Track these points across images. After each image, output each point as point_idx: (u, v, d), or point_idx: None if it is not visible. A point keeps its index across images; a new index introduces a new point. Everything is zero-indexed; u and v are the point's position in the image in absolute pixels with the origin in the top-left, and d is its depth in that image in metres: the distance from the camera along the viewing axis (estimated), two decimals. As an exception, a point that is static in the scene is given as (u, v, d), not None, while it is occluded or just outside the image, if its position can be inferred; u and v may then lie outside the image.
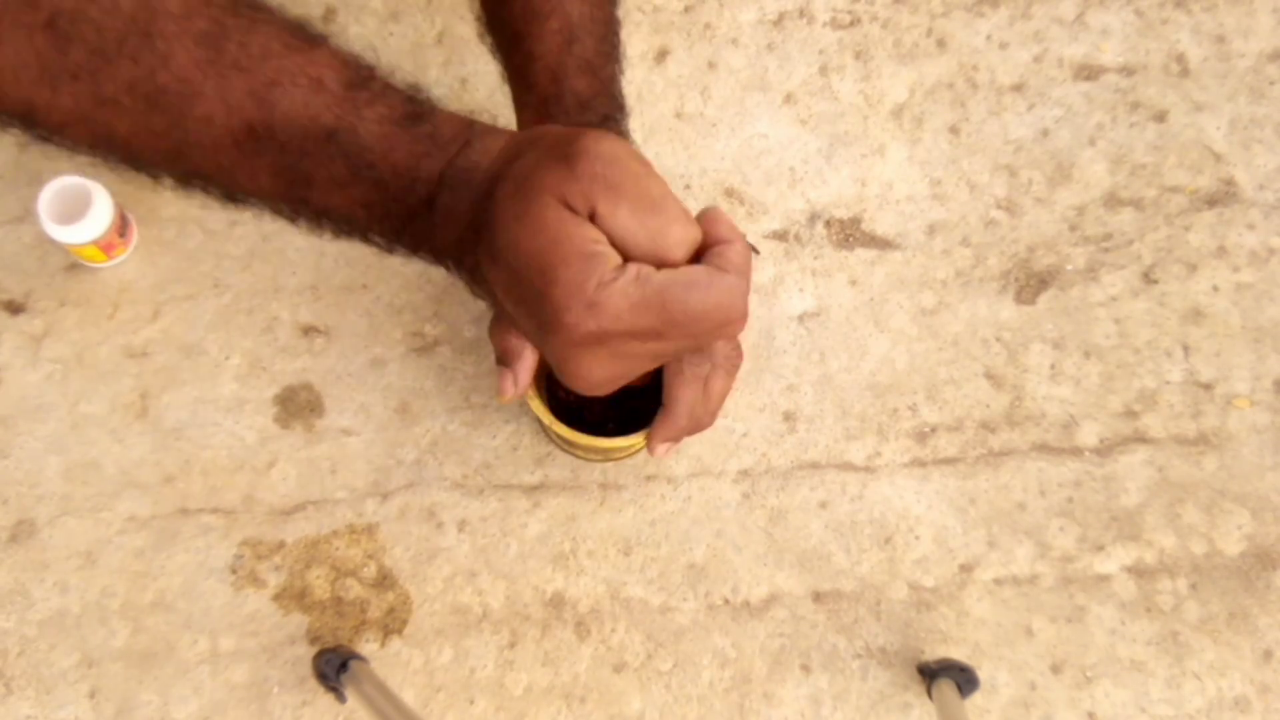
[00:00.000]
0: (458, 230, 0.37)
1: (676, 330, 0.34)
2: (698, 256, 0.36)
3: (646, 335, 0.34)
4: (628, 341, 0.35)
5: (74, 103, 0.36)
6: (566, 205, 0.33)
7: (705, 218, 0.37)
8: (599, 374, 0.36)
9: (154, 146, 0.38)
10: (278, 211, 0.41)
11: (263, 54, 0.36)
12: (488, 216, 0.35)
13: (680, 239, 0.34)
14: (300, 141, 0.37)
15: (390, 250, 0.41)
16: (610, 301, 0.33)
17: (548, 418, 0.55)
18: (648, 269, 0.34)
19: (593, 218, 0.33)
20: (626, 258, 0.34)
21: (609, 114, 0.55)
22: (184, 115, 0.36)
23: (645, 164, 0.35)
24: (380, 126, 0.37)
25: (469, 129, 0.38)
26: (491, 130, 0.38)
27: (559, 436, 0.58)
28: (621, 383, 0.38)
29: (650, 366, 0.39)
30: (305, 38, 0.38)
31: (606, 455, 0.71)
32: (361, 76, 0.38)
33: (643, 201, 0.33)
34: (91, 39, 0.35)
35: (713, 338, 0.36)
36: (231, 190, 0.40)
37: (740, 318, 0.35)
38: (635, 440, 0.56)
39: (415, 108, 0.38)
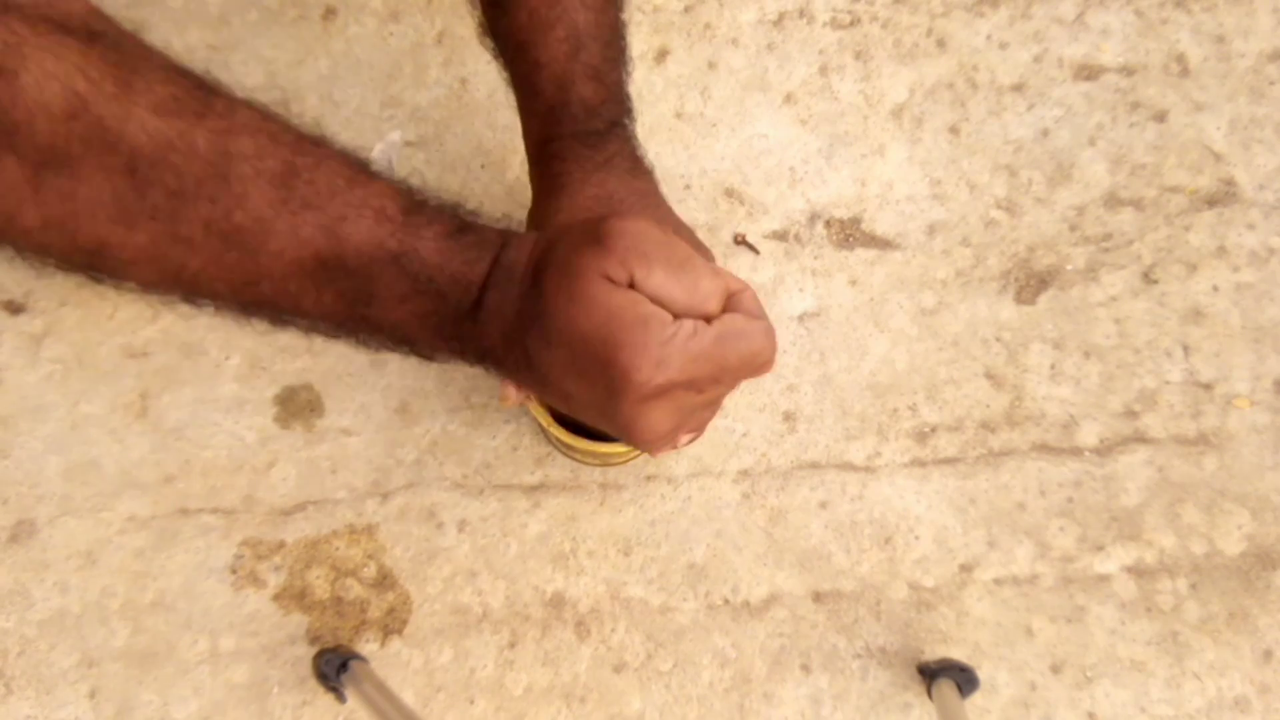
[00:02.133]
0: (505, 324, 0.40)
1: (728, 375, 0.38)
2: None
3: (704, 383, 0.38)
4: (687, 392, 0.38)
5: (149, 242, 0.37)
6: (608, 279, 0.36)
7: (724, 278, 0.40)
8: (664, 426, 0.40)
9: (224, 280, 0.39)
10: (328, 333, 0.43)
11: (330, 190, 0.39)
12: (538, 304, 0.38)
13: (711, 290, 0.38)
14: (368, 267, 0.39)
15: (431, 357, 0.44)
16: (673, 356, 0.36)
17: (547, 420, 0.55)
18: (701, 323, 0.37)
19: (631, 285, 0.37)
20: (671, 314, 0.37)
21: (616, 119, 0.55)
22: (258, 251, 0.38)
23: (667, 233, 0.38)
24: (437, 243, 0.40)
25: (504, 233, 0.42)
26: (524, 233, 0.42)
27: (559, 441, 0.58)
28: (680, 435, 0.42)
29: (702, 415, 0.42)
30: (364, 171, 0.41)
31: (605, 460, 0.71)
32: (417, 202, 0.41)
33: (673, 263, 0.37)
34: (170, 182, 0.36)
35: (749, 376, 0.40)
36: (293, 315, 0.42)
37: (774, 356, 0.40)
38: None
39: (462, 221, 0.41)
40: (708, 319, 0.38)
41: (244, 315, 0.42)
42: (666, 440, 0.41)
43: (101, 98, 0.34)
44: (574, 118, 0.53)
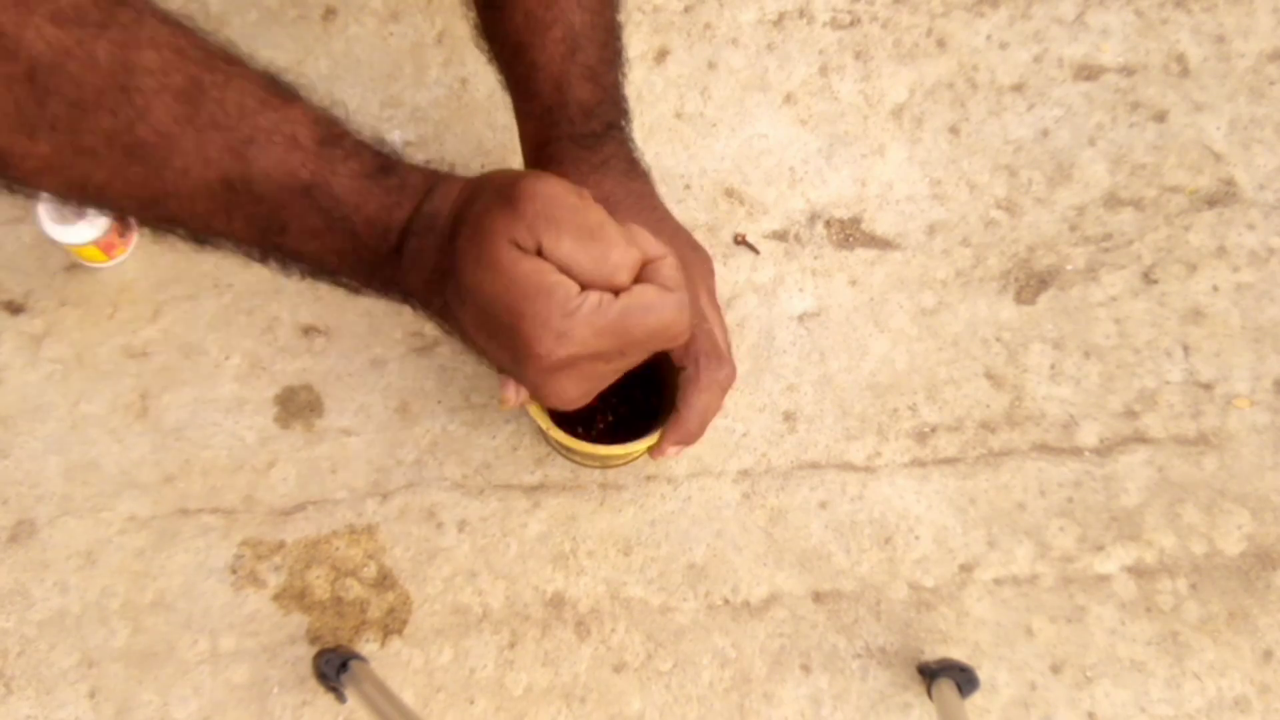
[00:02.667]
0: (425, 273, 0.40)
1: (635, 347, 0.38)
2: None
3: (610, 355, 0.38)
4: (594, 361, 0.38)
5: (51, 151, 0.37)
6: (516, 245, 0.36)
7: (635, 239, 0.39)
8: (571, 392, 0.40)
9: (130, 195, 0.39)
10: (248, 254, 0.42)
11: (239, 111, 0.38)
12: (451, 261, 0.38)
13: (621, 261, 0.37)
14: (276, 194, 0.38)
15: (359, 292, 0.43)
16: (576, 330, 0.36)
17: (546, 423, 0.55)
18: (607, 296, 0.36)
19: (540, 252, 0.36)
20: (580, 285, 0.37)
21: (613, 121, 0.55)
22: (162, 167, 0.37)
23: (583, 197, 0.37)
24: (353, 180, 0.39)
25: (432, 177, 0.41)
26: (450, 177, 0.41)
27: (558, 443, 0.58)
28: (589, 399, 0.42)
29: (612, 378, 0.42)
30: (280, 93, 0.39)
31: (604, 462, 0.71)
32: (334, 133, 0.40)
33: (582, 231, 0.36)
34: (70, 92, 0.35)
35: (662, 346, 0.40)
36: (205, 235, 0.41)
37: (687, 329, 0.39)
38: (632, 448, 0.56)
39: (384, 161, 0.40)
40: (618, 290, 0.37)
41: (159, 230, 0.41)
42: (578, 402, 0.41)
43: (0, 5, 0.34)
44: (571, 120, 0.53)
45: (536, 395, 0.40)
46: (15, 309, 0.75)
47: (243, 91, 0.38)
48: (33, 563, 0.72)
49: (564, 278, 0.36)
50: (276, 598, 0.72)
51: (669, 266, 0.38)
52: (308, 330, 0.76)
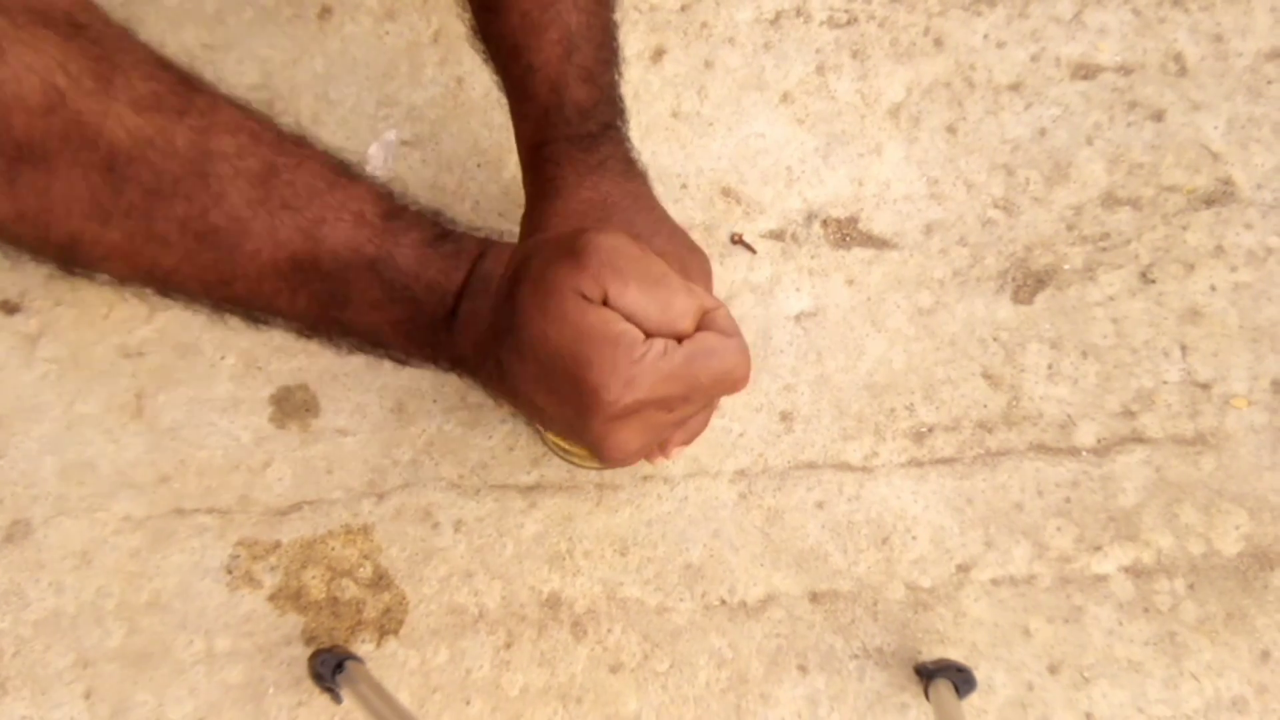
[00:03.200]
0: (477, 335, 0.40)
1: (699, 393, 0.38)
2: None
3: (675, 402, 0.38)
4: (658, 410, 0.38)
5: (123, 239, 0.36)
6: (582, 295, 0.36)
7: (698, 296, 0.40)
8: (633, 445, 0.39)
9: (198, 279, 0.39)
10: (298, 332, 0.43)
11: (309, 192, 0.38)
12: (511, 318, 0.38)
13: (685, 309, 0.37)
14: (343, 271, 0.39)
15: (405, 363, 0.43)
16: (644, 376, 0.36)
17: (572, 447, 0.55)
18: (672, 343, 0.37)
19: (605, 302, 0.36)
20: (645, 334, 0.37)
21: (609, 121, 0.55)
22: (234, 251, 0.38)
23: (644, 249, 0.38)
24: (414, 250, 0.40)
25: (485, 242, 0.41)
26: (502, 242, 0.42)
27: (554, 445, 0.58)
28: (650, 452, 0.42)
29: (673, 432, 0.42)
30: (346, 173, 0.40)
31: (602, 464, 0.71)
32: (396, 207, 0.40)
33: (647, 280, 0.36)
34: (147, 180, 0.35)
35: (723, 393, 0.39)
36: (267, 315, 0.42)
37: (747, 374, 0.39)
38: None
39: (441, 229, 0.41)
40: (680, 337, 0.37)
41: (218, 312, 0.41)
42: (636, 457, 0.40)
43: (80, 93, 0.33)
44: (567, 121, 0.53)
45: (599, 450, 0.39)
46: (10, 309, 0.75)
47: (313, 173, 0.39)
48: (28, 563, 0.72)
49: (631, 326, 0.36)
50: (272, 598, 0.72)
51: (724, 316, 0.39)
52: (303, 330, 0.76)
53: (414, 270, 0.40)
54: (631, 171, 0.56)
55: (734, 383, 0.38)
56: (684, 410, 0.39)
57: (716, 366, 0.37)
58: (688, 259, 0.56)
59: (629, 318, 0.36)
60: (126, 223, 0.36)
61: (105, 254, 0.37)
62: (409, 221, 0.40)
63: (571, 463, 0.74)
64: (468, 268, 0.40)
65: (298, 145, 0.39)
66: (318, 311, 0.41)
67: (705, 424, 0.49)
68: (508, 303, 0.38)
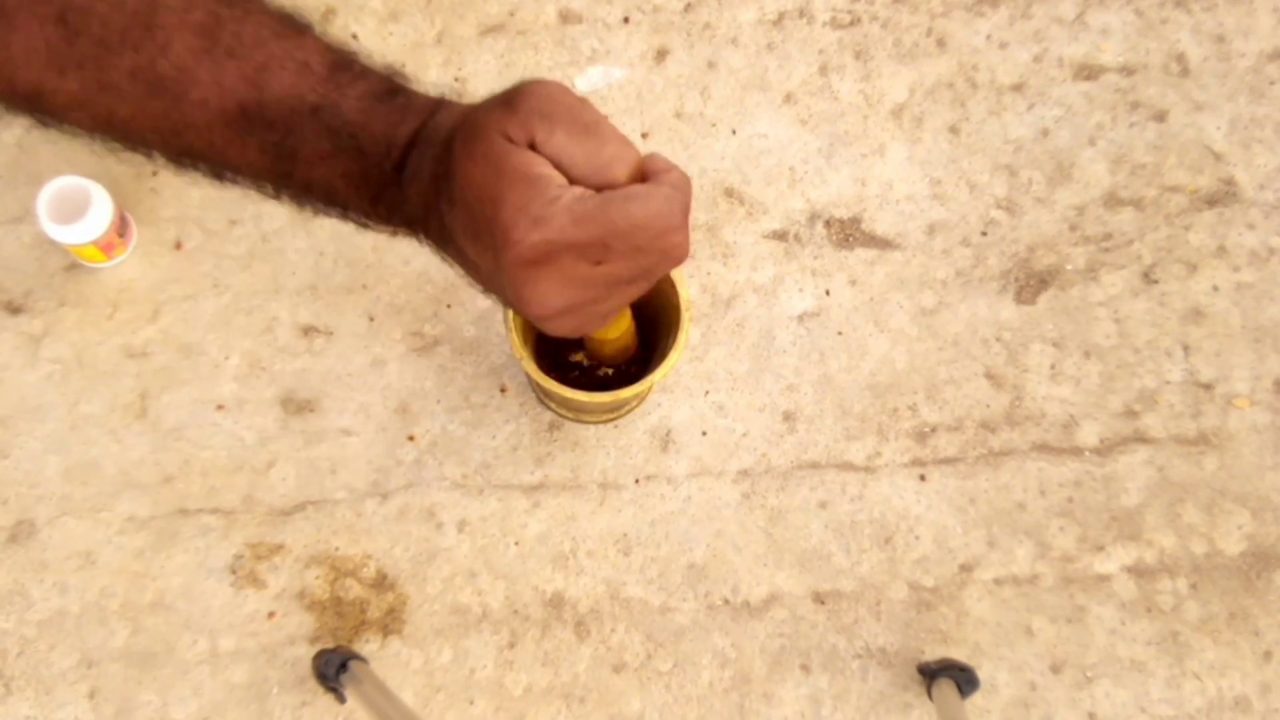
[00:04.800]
0: (422, 187, 0.40)
1: (620, 241, 0.37)
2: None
3: (593, 249, 0.37)
4: (576, 260, 0.37)
5: (79, 88, 0.39)
6: (508, 139, 0.36)
7: (647, 157, 0.39)
8: (554, 298, 0.38)
9: (152, 128, 0.41)
10: (261, 189, 0.44)
11: (254, 41, 0.40)
12: (446, 166, 0.38)
13: (616, 155, 0.37)
14: (288, 119, 0.40)
15: (367, 224, 0.44)
16: (554, 217, 0.35)
17: (521, 352, 0.55)
18: (590, 190, 0.36)
19: (534, 147, 0.36)
20: (571, 181, 0.36)
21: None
22: (181, 99, 0.40)
23: (581, 99, 0.38)
24: (361, 102, 0.40)
25: (439, 100, 0.42)
26: (457, 102, 0.42)
27: (536, 385, 0.59)
28: (581, 315, 0.40)
29: (604, 296, 0.40)
30: (293, 26, 0.41)
31: (578, 413, 0.72)
32: (344, 59, 0.41)
33: (576, 125, 0.36)
34: (97, 31, 0.38)
35: (657, 252, 0.38)
36: (222, 167, 0.43)
37: (680, 227, 0.38)
38: (637, 389, 0.56)
39: (392, 84, 0.41)
40: (612, 188, 0.36)
41: (181, 166, 0.43)
42: (563, 317, 0.39)
43: None
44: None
45: (519, 300, 0.38)
46: (15, 309, 0.75)
47: (259, 24, 0.40)
48: (32, 563, 0.72)
49: (552, 170, 0.36)
50: (276, 598, 0.72)
51: (675, 175, 0.38)
52: (307, 330, 0.76)
53: (360, 121, 0.40)
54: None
55: (659, 235, 0.37)
56: (610, 268, 0.38)
57: (636, 212, 0.36)
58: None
59: (556, 163, 0.36)
60: (81, 73, 0.39)
61: (66, 103, 0.40)
62: (356, 73, 0.41)
63: (551, 409, 0.74)
64: (417, 122, 0.40)
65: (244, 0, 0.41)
66: (269, 163, 0.41)
67: (643, 289, 0.44)
68: (445, 151, 0.38)
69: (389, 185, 0.41)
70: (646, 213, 0.36)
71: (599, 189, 0.36)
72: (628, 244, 0.37)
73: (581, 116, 0.36)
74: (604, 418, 0.74)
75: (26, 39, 0.38)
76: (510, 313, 0.56)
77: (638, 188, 0.36)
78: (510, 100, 0.36)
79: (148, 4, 0.39)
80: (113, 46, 0.39)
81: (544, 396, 0.73)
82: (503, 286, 0.39)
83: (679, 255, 0.38)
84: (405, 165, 0.40)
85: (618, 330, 0.54)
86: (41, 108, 0.40)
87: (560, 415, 0.75)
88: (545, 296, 0.38)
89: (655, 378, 0.56)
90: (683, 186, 0.37)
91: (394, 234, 0.43)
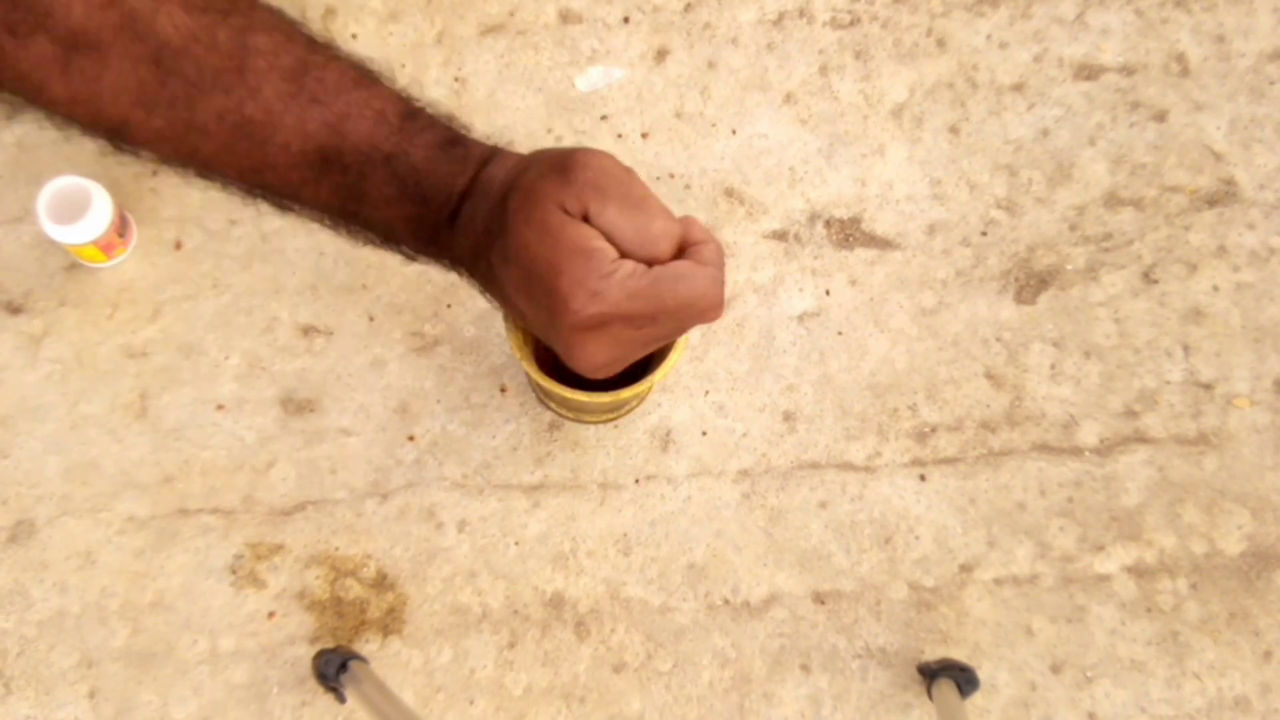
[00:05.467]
0: (474, 236, 0.42)
1: (666, 316, 0.40)
2: (679, 256, 0.41)
3: (641, 320, 0.40)
4: (625, 327, 0.40)
5: (166, 126, 0.40)
6: (564, 209, 0.38)
7: (685, 223, 0.42)
8: (600, 357, 0.41)
9: (233, 165, 0.42)
10: (322, 222, 0.45)
11: (337, 89, 0.41)
12: (502, 222, 0.40)
13: (662, 232, 0.39)
14: (362, 165, 0.42)
15: (414, 258, 0.46)
16: (610, 291, 0.38)
17: (523, 356, 0.55)
18: (642, 265, 0.39)
19: (586, 218, 0.38)
20: (620, 252, 0.39)
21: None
22: (266, 142, 0.41)
23: (630, 172, 0.40)
24: (428, 151, 0.42)
25: (492, 149, 0.43)
26: (509, 151, 0.44)
27: (537, 385, 0.59)
28: (619, 367, 0.43)
29: (642, 350, 0.43)
30: (369, 75, 0.43)
31: (578, 412, 0.72)
32: (413, 109, 0.43)
33: (628, 201, 0.39)
34: (191, 74, 0.39)
35: (694, 322, 0.41)
36: (292, 202, 0.44)
37: (718, 304, 0.41)
38: (637, 389, 0.56)
39: (454, 134, 0.43)
40: (656, 261, 0.39)
41: (250, 196, 0.44)
42: (605, 369, 0.42)
43: None
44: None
45: (569, 356, 0.41)
46: (15, 309, 0.75)
47: (340, 72, 0.42)
48: (32, 563, 0.72)
49: (605, 244, 0.38)
50: (276, 598, 0.72)
51: (711, 249, 0.41)
52: (307, 330, 0.76)
53: (425, 169, 0.42)
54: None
55: (702, 311, 0.40)
56: (652, 330, 0.41)
57: (684, 292, 0.39)
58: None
59: (607, 236, 0.38)
60: (170, 112, 0.40)
61: (150, 138, 0.41)
62: (424, 123, 0.43)
63: (552, 409, 0.74)
64: (473, 171, 0.42)
65: (326, 46, 0.42)
66: (339, 203, 0.43)
67: (673, 340, 0.47)
68: (500, 208, 0.40)
69: (443, 229, 0.43)
70: (693, 292, 0.39)
71: (646, 262, 0.39)
72: (671, 316, 0.40)
73: (632, 192, 0.39)
74: (604, 418, 0.74)
75: (119, 76, 0.38)
76: (514, 330, 0.56)
77: (683, 267, 0.39)
78: (566, 170, 0.38)
79: (240, 48, 0.39)
80: (204, 88, 0.39)
81: (544, 397, 0.73)
82: (551, 338, 0.41)
83: (713, 319, 0.41)
84: (459, 213, 0.42)
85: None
86: (123, 139, 0.41)
87: (560, 415, 0.75)
88: (594, 355, 0.41)
89: (656, 378, 0.56)
90: (719, 263, 0.41)
91: (437, 267, 0.45)
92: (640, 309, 0.39)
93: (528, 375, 0.60)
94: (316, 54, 0.41)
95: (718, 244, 0.41)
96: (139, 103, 0.39)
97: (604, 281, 0.38)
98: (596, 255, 0.38)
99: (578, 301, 0.38)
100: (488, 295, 0.45)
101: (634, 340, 0.41)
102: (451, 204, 0.42)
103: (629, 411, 0.75)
